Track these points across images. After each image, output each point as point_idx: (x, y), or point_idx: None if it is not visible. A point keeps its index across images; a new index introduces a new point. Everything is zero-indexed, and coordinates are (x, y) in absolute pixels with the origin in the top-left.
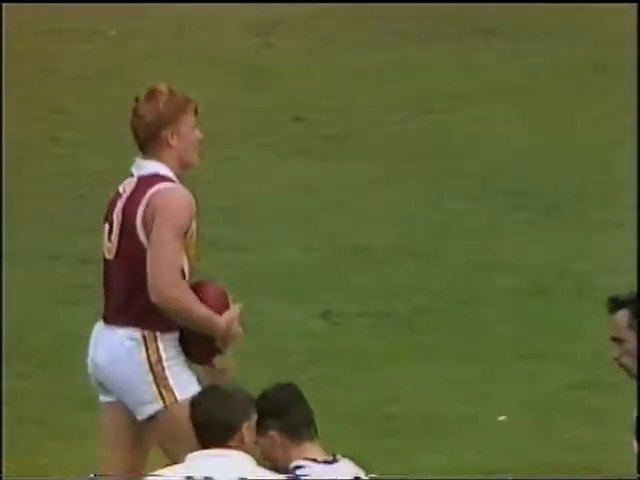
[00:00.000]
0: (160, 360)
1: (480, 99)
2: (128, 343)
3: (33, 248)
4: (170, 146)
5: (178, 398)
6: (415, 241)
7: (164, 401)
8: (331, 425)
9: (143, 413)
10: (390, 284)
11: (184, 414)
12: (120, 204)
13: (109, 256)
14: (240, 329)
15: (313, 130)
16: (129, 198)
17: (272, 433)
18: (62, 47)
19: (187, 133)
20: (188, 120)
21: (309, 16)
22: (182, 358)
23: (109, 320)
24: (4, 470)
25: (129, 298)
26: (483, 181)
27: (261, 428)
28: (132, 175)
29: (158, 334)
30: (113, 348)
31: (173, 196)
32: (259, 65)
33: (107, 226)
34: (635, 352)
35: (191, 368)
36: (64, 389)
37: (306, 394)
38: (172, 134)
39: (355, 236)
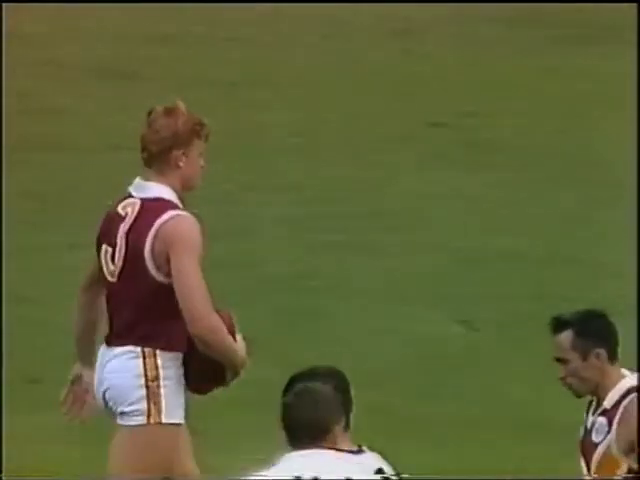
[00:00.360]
0: (157, 377)
1: (629, 105)
2: (127, 356)
3: None
4: (178, 167)
5: (163, 420)
6: (558, 249)
7: (149, 418)
8: (470, 430)
9: (125, 421)
10: (532, 291)
11: (160, 437)
12: (123, 227)
13: (112, 279)
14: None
15: (454, 136)
16: (134, 224)
17: None
18: (207, 51)
19: (195, 158)
20: (199, 145)
21: (451, 20)
22: (181, 380)
23: (112, 343)
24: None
25: (133, 323)
26: (629, 190)
27: None
28: (131, 195)
29: (158, 352)
30: (112, 361)
31: (185, 225)
32: (401, 71)
33: (109, 249)
34: (579, 372)
35: (185, 394)
36: None
37: (445, 400)
38: (182, 155)
39: (497, 243)
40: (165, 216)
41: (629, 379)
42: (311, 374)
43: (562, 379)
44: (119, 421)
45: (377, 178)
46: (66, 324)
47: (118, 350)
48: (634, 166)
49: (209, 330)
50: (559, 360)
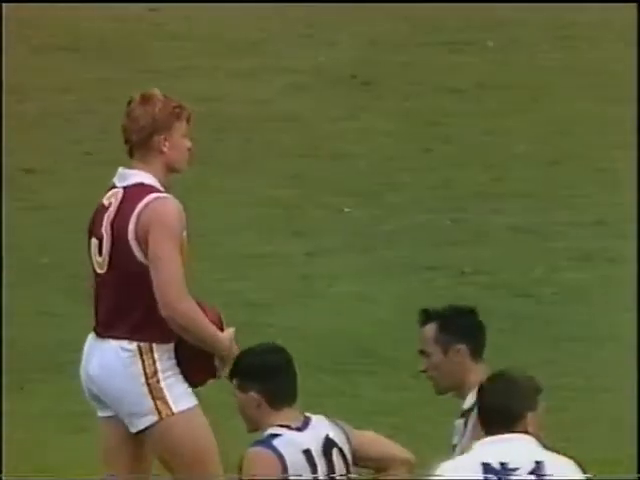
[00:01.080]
0: (156, 372)
1: None
2: (123, 354)
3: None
4: (161, 152)
5: (174, 410)
6: None
7: (160, 414)
8: None
9: (137, 425)
10: None
11: (180, 426)
12: (108, 218)
13: (100, 270)
14: (237, 349)
15: None
16: (117, 212)
17: (253, 394)
18: (440, 58)
19: (178, 140)
20: (181, 127)
21: None
22: (178, 370)
23: (103, 333)
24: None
25: (122, 312)
26: None
27: (245, 386)
28: (114, 186)
29: (154, 345)
30: (107, 359)
31: (164, 207)
32: (629, 76)
33: (96, 241)
34: (439, 367)
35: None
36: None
37: None
38: (164, 140)
39: None
40: (146, 199)
41: None
42: (260, 350)
43: (424, 372)
44: (131, 427)
45: (605, 185)
46: None
47: (112, 344)
48: None
49: (181, 314)
50: (422, 352)
